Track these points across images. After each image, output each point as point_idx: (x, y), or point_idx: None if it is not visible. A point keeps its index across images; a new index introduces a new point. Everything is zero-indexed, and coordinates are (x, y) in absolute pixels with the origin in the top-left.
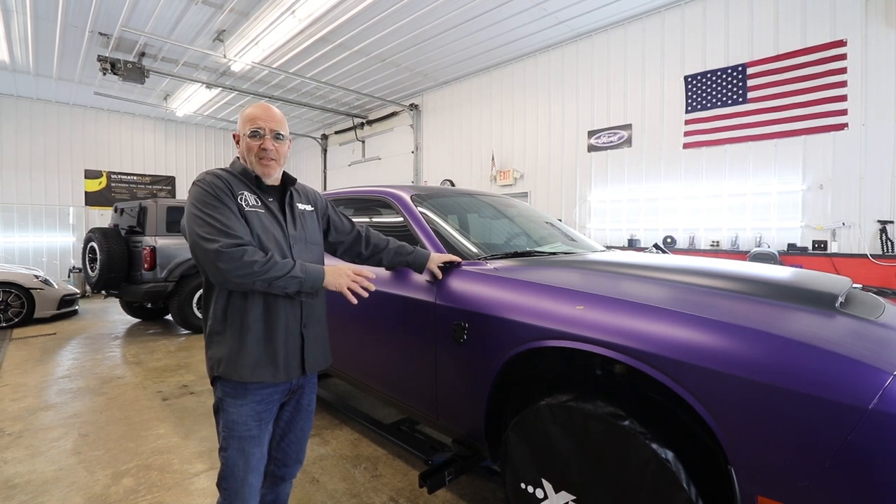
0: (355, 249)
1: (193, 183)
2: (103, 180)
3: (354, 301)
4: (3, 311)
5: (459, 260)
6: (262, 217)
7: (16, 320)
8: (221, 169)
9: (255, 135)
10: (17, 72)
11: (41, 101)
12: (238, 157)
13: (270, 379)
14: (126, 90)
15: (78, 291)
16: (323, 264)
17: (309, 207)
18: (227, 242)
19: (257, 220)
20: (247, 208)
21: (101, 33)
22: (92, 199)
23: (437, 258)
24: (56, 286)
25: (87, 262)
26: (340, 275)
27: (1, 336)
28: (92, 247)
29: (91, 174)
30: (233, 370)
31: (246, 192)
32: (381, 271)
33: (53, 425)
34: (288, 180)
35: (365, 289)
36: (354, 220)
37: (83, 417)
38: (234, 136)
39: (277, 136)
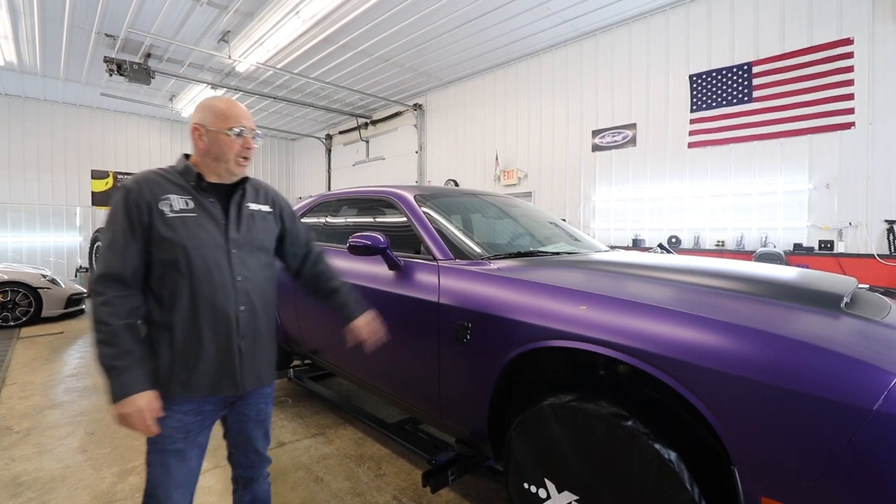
0: (294, 265)
1: (118, 188)
2: (110, 180)
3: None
4: (10, 310)
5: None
6: (192, 222)
7: (23, 319)
8: (155, 169)
9: (240, 134)
10: (24, 73)
11: (48, 102)
12: (185, 155)
13: (186, 394)
14: (132, 91)
15: (85, 291)
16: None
17: (265, 208)
18: (108, 274)
19: (183, 225)
20: (170, 214)
21: (107, 34)
22: (98, 200)
23: (363, 319)
24: (63, 285)
25: (94, 262)
26: (137, 412)
27: (9, 335)
28: (98, 246)
29: (97, 174)
30: (154, 379)
31: (174, 196)
32: (386, 270)
33: (60, 423)
34: (240, 178)
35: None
36: (358, 220)
37: (90, 416)
38: (194, 128)
39: (256, 136)
